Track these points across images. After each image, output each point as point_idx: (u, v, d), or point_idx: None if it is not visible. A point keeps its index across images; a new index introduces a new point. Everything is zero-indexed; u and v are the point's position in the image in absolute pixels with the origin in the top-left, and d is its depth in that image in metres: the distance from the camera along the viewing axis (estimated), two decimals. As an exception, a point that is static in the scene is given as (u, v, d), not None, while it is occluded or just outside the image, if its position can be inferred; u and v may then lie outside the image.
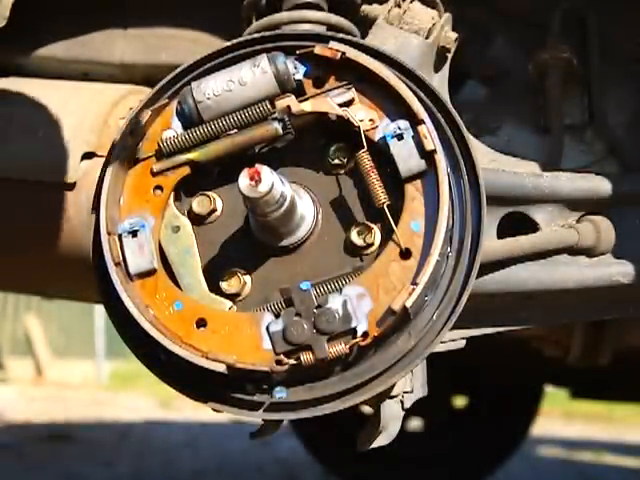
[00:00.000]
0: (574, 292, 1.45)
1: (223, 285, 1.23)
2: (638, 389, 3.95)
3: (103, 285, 1.23)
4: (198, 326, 1.18)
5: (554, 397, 6.37)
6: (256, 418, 1.20)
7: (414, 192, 1.18)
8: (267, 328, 1.15)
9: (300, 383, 1.16)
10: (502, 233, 1.43)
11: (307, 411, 1.17)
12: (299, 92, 1.23)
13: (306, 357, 1.13)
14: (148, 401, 9.23)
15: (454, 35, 1.45)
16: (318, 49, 1.22)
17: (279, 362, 1.14)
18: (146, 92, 1.29)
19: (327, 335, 1.13)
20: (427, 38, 1.40)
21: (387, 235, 1.19)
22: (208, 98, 1.23)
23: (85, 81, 1.88)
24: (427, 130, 1.17)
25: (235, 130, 1.23)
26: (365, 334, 1.14)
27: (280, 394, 1.16)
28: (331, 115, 1.23)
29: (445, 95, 1.46)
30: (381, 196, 1.17)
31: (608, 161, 1.59)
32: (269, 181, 1.10)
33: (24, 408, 8.12)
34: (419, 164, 1.18)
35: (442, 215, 1.15)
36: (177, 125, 1.25)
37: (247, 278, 1.23)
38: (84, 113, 1.74)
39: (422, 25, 1.41)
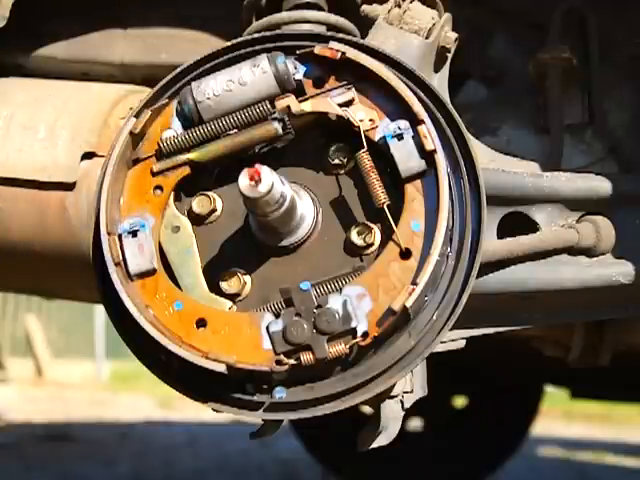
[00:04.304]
0: (574, 292, 1.45)
1: (223, 285, 1.23)
2: (638, 389, 3.95)
3: (103, 285, 1.23)
4: (198, 326, 1.18)
5: (554, 397, 6.37)
6: (256, 418, 1.20)
7: (414, 192, 1.18)
8: (267, 328, 1.15)
9: (300, 383, 1.17)
10: (502, 233, 1.43)
11: (307, 411, 1.17)
12: (299, 92, 1.23)
13: (306, 357, 1.13)
14: (148, 401, 9.23)
15: (454, 35, 1.45)
16: (318, 49, 1.22)
17: (279, 362, 1.14)
18: (146, 92, 1.29)
19: (327, 335, 1.13)
20: (427, 38, 1.40)
21: (387, 235, 1.19)
22: (208, 98, 1.23)
23: (85, 81, 1.88)
24: (427, 130, 1.17)
25: (235, 130, 1.23)
26: (365, 334, 1.14)
27: (280, 394, 1.16)
28: (331, 115, 1.23)
29: (445, 95, 1.46)
30: (381, 196, 1.17)
31: (608, 161, 1.59)
32: (269, 181, 1.10)
33: (24, 408, 8.12)
34: (419, 164, 1.18)
35: (442, 215, 1.15)
36: (177, 125, 1.25)
37: (247, 278, 1.23)
38: (84, 113, 1.74)
39: (422, 25, 1.40)
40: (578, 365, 2.15)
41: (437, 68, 1.47)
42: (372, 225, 1.21)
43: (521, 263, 1.43)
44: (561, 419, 8.63)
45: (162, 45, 1.87)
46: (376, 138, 1.20)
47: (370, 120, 1.21)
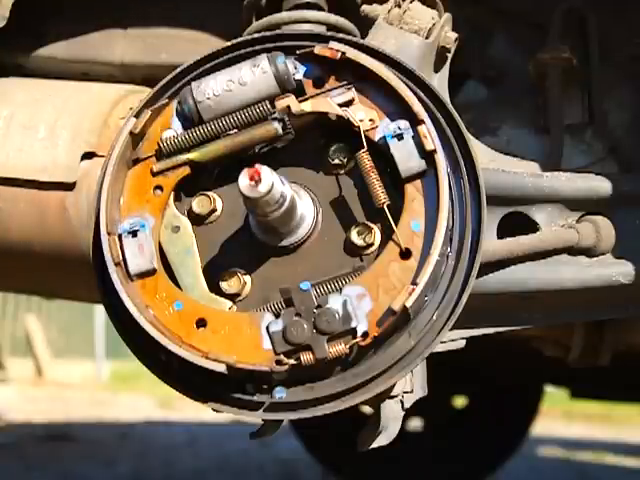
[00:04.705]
0: (574, 292, 1.45)
1: (223, 285, 1.23)
2: (638, 389, 3.95)
3: (103, 285, 1.23)
4: (198, 326, 1.18)
5: (554, 397, 6.37)
6: (256, 418, 1.20)
7: (414, 192, 1.18)
8: (267, 328, 1.15)
9: (300, 383, 1.16)
10: (502, 233, 1.43)
11: (307, 411, 1.17)
12: (299, 92, 1.23)
13: (306, 357, 1.13)
14: (148, 401, 9.23)
15: (454, 35, 1.45)
16: (318, 49, 1.22)
17: (279, 362, 1.14)
18: (146, 92, 1.29)
19: (327, 335, 1.13)
20: (427, 38, 1.40)
21: (387, 235, 1.19)
22: (208, 98, 1.23)
23: (85, 81, 1.88)
24: (427, 130, 1.17)
25: (235, 130, 1.23)
26: (365, 334, 1.14)
27: (280, 394, 1.16)
28: (331, 115, 1.23)
29: (445, 95, 1.46)
30: (381, 196, 1.17)
31: (608, 161, 1.59)
32: (269, 181, 1.10)
33: (24, 408, 8.12)
34: (419, 164, 1.18)
35: (442, 215, 1.15)
36: (177, 125, 1.25)
37: (247, 278, 1.23)
38: (84, 113, 1.74)
39: (422, 25, 1.40)
40: (578, 365, 2.15)
41: (437, 68, 1.47)
42: (372, 225, 1.21)
43: (521, 263, 1.43)
44: (561, 419, 8.63)
45: (162, 45, 1.87)
46: (376, 138, 1.20)
47: (370, 120, 1.21)
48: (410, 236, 1.16)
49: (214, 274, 1.23)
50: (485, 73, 1.76)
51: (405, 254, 1.16)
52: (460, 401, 4.58)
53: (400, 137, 1.18)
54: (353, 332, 1.14)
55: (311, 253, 1.23)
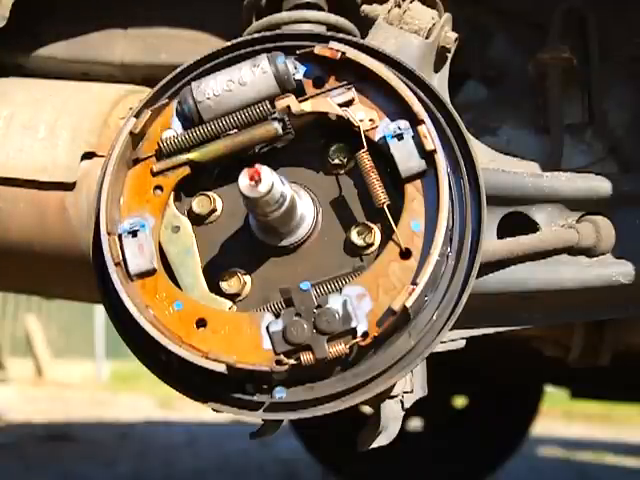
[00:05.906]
0: (574, 292, 1.45)
1: (223, 285, 1.23)
2: (638, 389, 3.95)
3: (103, 285, 1.23)
4: (198, 326, 1.18)
5: (554, 397, 6.37)
6: (256, 418, 1.20)
7: (414, 192, 1.18)
8: (267, 328, 1.15)
9: (300, 383, 1.17)
10: (502, 233, 1.43)
11: (307, 411, 1.17)
12: (299, 92, 1.23)
13: (306, 357, 1.13)
14: (148, 401, 9.23)
15: (454, 35, 1.45)
16: (318, 49, 1.22)
17: (279, 362, 1.14)
18: (146, 92, 1.29)
19: (327, 335, 1.13)
20: (427, 38, 1.40)
21: (387, 235, 1.19)
22: (208, 98, 1.23)
23: (85, 81, 1.88)
24: (427, 130, 1.17)
25: (235, 130, 1.23)
26: (365, 334, 1.14)
27: (280, 394, 1.16)
28: (331, 115, 1.23)
29: (445, 95, 1.46)
30: (381, 196, 1.17)
31: (608, 161, 1.59)
32: (269, 181, 1.10)
33: (24, 408, 8.12)
34: (419, 164, 1.18)
35: (442, 215, 1.15)
36: (177, 125, 1.25)
37: (247, 278, 1.23)
38: (84, 113, 1.74)
39: (422, 25, 1.40)
40: (578, 365, 2.15)
41: (437, 68, 1.47)
42: (372, 225, 1.21)
43: (521, 263, 1.43)
44: (561, 419, 8.63)
45: (162, 45, 1.87)
46: (376, 138, 1.20)
47: (370, 120, 1.21)
48: (410, 236, 1.16)
49: (214, 274, 1.23)
50: (485, 73, 1.76)
51: (405, 254, 1.16)
52: (460, 401, 4.58)
53: (400, 137, 1.18)
54: (353, 332, 1.14)
55: (311, 253, 1.23)
